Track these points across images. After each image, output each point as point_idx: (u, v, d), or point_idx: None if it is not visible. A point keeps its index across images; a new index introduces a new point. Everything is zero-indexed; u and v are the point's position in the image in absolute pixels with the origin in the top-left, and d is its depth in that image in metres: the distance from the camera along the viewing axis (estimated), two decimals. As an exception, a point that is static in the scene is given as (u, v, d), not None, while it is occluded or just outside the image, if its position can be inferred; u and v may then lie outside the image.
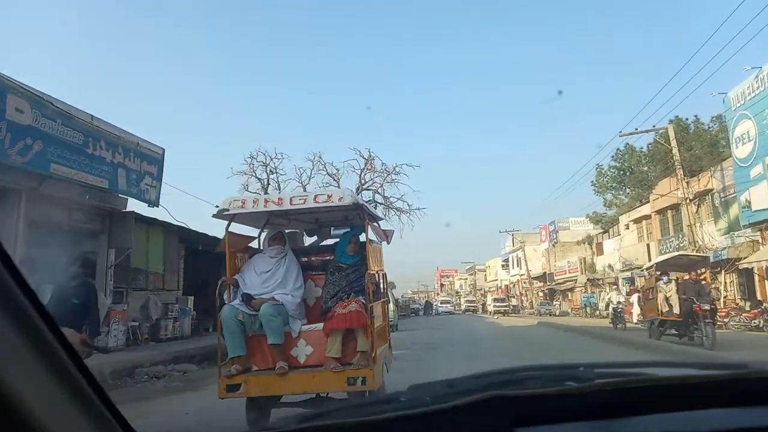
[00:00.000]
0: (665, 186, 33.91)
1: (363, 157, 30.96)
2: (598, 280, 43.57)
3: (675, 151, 25.21)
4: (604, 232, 45.31)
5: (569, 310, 46.58)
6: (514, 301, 62.81)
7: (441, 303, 70.19)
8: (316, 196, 5.52)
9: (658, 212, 34.62)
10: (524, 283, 61.26)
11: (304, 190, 31.01)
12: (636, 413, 1.01)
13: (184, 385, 10.61)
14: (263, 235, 6.30)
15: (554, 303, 49.45)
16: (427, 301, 71.14)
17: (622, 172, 49.89)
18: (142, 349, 14.14)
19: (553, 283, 53.58)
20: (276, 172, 28.69)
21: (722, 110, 25.22)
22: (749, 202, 23.30)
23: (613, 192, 50.81)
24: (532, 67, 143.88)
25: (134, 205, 15.34)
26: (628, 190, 50.19)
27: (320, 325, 5.46)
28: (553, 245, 55.39)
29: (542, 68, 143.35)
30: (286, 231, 6.28)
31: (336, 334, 5.31)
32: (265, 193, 28.89)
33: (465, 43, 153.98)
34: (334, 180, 30.76)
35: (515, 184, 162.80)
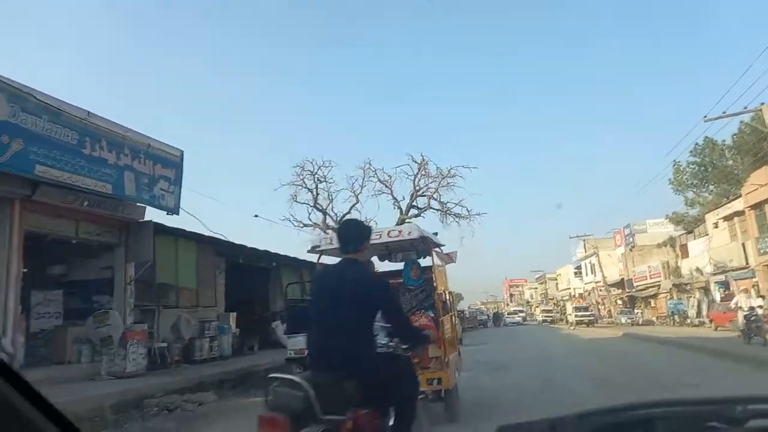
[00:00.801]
0: (760, 177, 29.64)
1: (416, 162, 28.73)
2: (686, 284, 39.07)
3: (775, 132, 21.32)
4: (689, 233, 40.75)
5: (654, 319, 42.10)
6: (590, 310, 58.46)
7: (508, 314, 67.49)
8: (389, 232, 6.72)
9: (753, 207, 30.27)
10: (600, 290, 56.73)
11: (357, 200, 29.05)
12: None
13: (181, 423, 8.57)
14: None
15: (635, 311, 44.99)
16: (495, 312, 68.22)
17: (703, 168, 45.09)
18: (167, 374, 12.34)
19: (633, 290, 49.01)
20: (325, 181, 26.95)
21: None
22: None
23: (694, 190, 46.00)
24: (600, 65, 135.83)
25: (159, 216, 13.74)
26: (711, 187, 45.31)
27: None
28: (630, 249, 50.83)
29: (612, 66, 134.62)
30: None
31: None
32: (315, 203, 27.13)
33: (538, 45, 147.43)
34: (387, 187, 28.70)
35: (585, 187, 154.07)
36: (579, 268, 65.45)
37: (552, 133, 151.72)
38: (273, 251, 20.38)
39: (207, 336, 15.52)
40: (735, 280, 33.29)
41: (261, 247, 19.81)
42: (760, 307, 16.61)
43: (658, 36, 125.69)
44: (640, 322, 40.31)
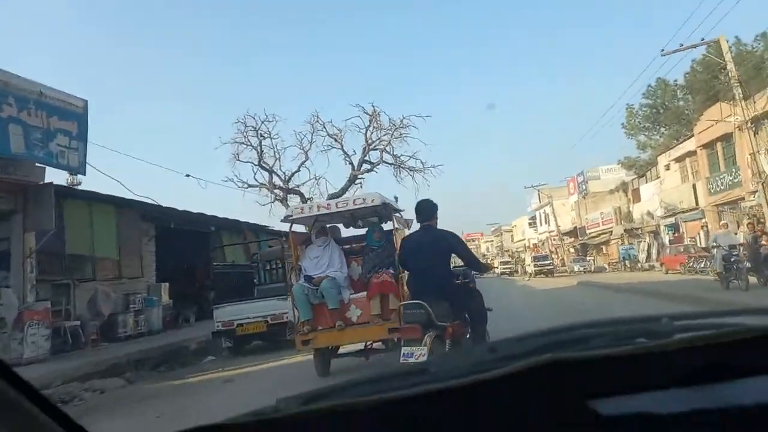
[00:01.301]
0: (713, 115, 29.24)
1: (367, 113, 26.96)
2: (636, 229, 39.16)
3: (730, 65, 20.58)
4: (640, 177, 40.66)
5: (605, 265, 42.30)
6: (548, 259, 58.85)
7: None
8: (354, 200, 7.64)
9: (705, 146, 29.96)
10: (554, 239, 56.98)
11: (306, 156, 27.25)
12: (740, 375, 0.75)
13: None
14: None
15: (588, 258, 45.17)
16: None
17: (655, 111, 44.93)
18: (78, 357, 10.72)
19: (585, 238, 49.23)
20: (270, 137, 24.94)
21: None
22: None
23: (646, 133, 45.95)
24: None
25: (89, 182, 11.77)
26: (663, 130, 45.30)
27: (364, 294, 7.26)
28: (584, 197, 50.86)
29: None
30: (328, 226, 8.07)
31: (375, 298, 7.06)
32: (260, 161, 25.21)
33: None
34: (337, 141, 26.94)
35: (538, 135, 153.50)
36: (534, 218, 65.65)
37: (505, 78, 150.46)
38: (210, 214, 18.62)
39: (132, 310, 13.89)
40: (684, 221, 33.40)
41: (203, 212, 18.03)
42: (741, 245, 14.25)
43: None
44: (593, 270, 40.40)
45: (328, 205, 7.88)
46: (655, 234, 37.70)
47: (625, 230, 40.00)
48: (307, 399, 0.88)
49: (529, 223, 66.20)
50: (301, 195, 26.21)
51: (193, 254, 18.99)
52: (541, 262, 43.92)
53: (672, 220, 34.51)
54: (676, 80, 42.84)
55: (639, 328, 0.97)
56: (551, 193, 52.93)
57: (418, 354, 4.72)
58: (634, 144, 46.13)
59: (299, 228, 8.70)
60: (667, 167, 35.02)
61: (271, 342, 11.12)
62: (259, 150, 24.64)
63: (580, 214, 50.91)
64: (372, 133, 27.39)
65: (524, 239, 69.71)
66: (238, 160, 24.24)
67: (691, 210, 31.78)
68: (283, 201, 26.61)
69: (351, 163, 27.00)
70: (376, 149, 27.32)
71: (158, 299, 14.92)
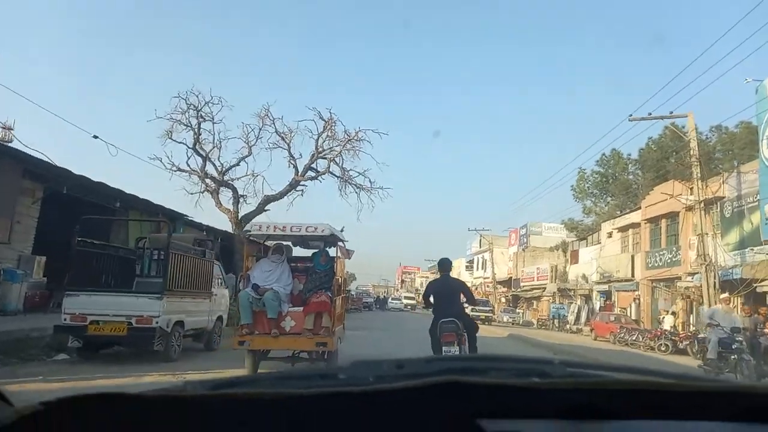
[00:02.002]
0: (665, 190, 29.06)
1: (323, 119, 25.08)
2: (569, 290, 38.64)
3: (693, 143, 20.00)
4: (581, 240, 40.41)
5: (533, 321, 41.38)
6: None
7: (392, 299, 68.85)
8: (307, 227, 8.52)
9: (650, 221, 29.67)
10: (488, 287, 56.24)
11: (249, 151, 24.97)
12: (609, 417, 0.89)
13: None
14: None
15: (518, 311, 44.35)
16: (378, 296, 68.59)
17: (605, 179, 45.22)
18: None
19: (519, 290, 48.68)
20: (213, 121, 22.56)
21: (754, 100, 20.14)
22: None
23: (593, 199, 46.12)
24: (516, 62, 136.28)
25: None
26: (609, 199, 45.58)
27: (300, 309, 8.26)
28: (523, 250, 50.50)
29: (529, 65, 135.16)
30: (283, 244, 9.12)
31: (311, 314, 8.12)
32: (196, 144, 22.79)
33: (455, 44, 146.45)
34: (285, 141, 24.87)
35: (490, 184, 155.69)
36: (471, 262, 65.02)
37: (460, 124, 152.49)
38: (117, 187, 16.10)
39: (-17, 282, 11.26)
40: (617, 291, 33.00)
41: (106, 182, 15.46)
42: (746, 329, 11.36)
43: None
44: (521, 323, 39.42)
45: (284, 227, 8.66)
46: (587, 298, 37.24)
47: (558, 289, 39.42)
48: (214, 385, 0.94)
49: (467, 266, 65.46)
50: (234, 190, 23.89)
51: (91, 231, 16.28)
52: (481, 308, 39.56)
53: (606, 287, 34.06)
54: (629, 154, 43.36)
55: (536, 368, 1.05)
56: (493, 241, 52.27)
57: (454, 350, 7.33)
58: (579, 207, 46.25)
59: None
60: (610, 235, 34.73)
61: (132, 351, 8.85)
62: (196, 132, 22.23)
63: (517, 265, 50.40)
64: (324, 141, 25.52)
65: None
66: (170, 138, 21.75)
67: (626, 280, 31.35)
68: (214, 193, 24.20)
69: (295, 167, 24.97)
70: (325, 158, 25.41)
71: (25, 274, 12.32)
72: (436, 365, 1.04)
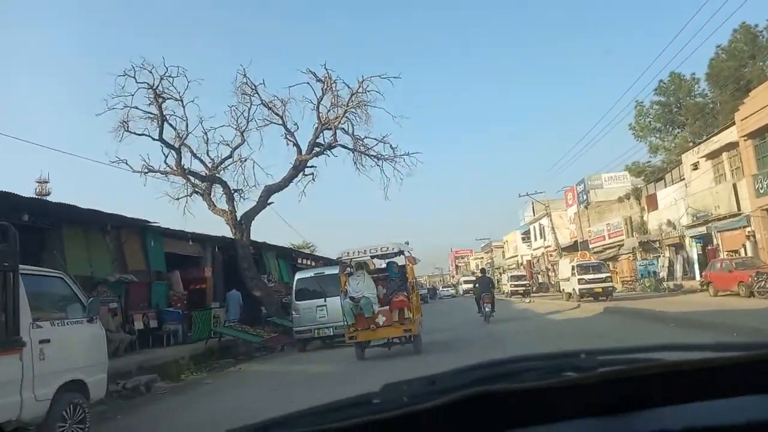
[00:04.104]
0: (761, 98, 22.17)
1: (319, 80, 19.56)
2: (653, 242, 31.76)
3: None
4: (658, 180, 33.33)
5: (614, 285, 34.53)
6: (540, 278, 51.26)
7: (443, 288, 74.37)
8: (381, 248, 11.51)
9: (752, 135, 22.71)
10: (551, 255, 49.48)
11: (243, 140, 19.71)
12: (650, 405, 0.85)
13: None
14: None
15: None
16: (431, 287, 71.06)
17: (667, 109, 37.87)
18: None
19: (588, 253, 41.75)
20: (180, 101, 17.29)
21: None
22: None
23: (658, 134, 38.82)
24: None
25: None
26: (677, 131, 38.23)
27: (386, 307, 10.80)
28: (585, 207, 43.54)
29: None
30: (364, 261, 11.86)
31: (395, 310, 10.76)
32: (161, 132, 17.61)
33: None
34: (275, 114, 19.47)
35: (533, 143, 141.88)
36: (527, 233, 58.25)
37: (497, 84, 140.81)
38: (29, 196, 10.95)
39: None
40: (720, 231, 26.03)
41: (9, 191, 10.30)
42: None
43: None
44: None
45: (364, 251, 11.47)
46: (678, 247, 30.35)
47: (639, 243, 32.56)
48: (257, 428, 0.97)
49: (522, 238, 58.77)
50: (224, 185, 18.63)
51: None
52: (517, 282, 41.05)
53: (702, 229, 27.11)
54: (693, 73, 35.99)
55: (566, 363, 1.01)
56: (548, 204, 45.48)
57: (487, 308, 17.40)
58: (643, 147, 39.12)
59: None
60: (695, 166, 27.74)
61: None
62: (159, 119, 17.01)
63: (581, 226, 43.54)
64: (329, 110, 19.98)
65: (516, 255, 62.20)
66: (127, 130, 16.61)
67: (730, 216, 24.45)
68: (206, 194, 19.03)
69: (296, 145, 19.52)
70: (329, 128, 19.84)
71: None
72: (467, 376, 0.99)
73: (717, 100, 31.82)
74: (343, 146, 20.07)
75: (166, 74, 16.41)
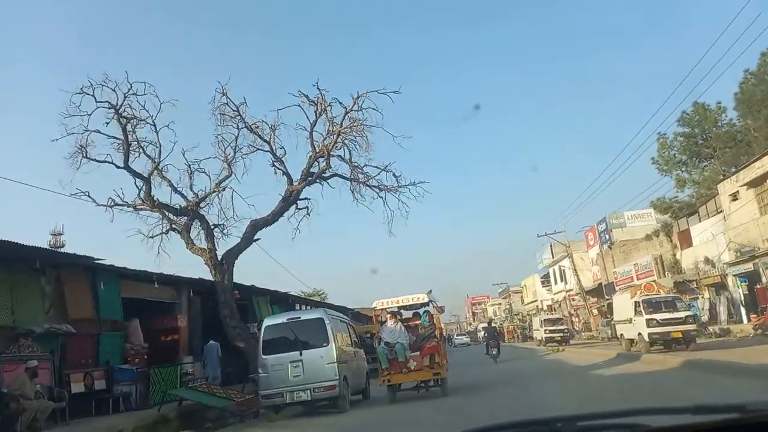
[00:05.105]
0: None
1: (312, 102, 17.27)
2: (690, 282, 28.35)
3: None
4: (691, 215, 30.19)
5: (696, 327, 29.92)
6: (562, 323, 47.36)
7: (457, 336, 68.33)
8: (411, 298, 12.24)
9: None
10: (573, 299, 45.88)
11: (230, 171, 17.32)
12: None
13: None
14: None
15: (623, 321, 33.88)
16: (446, 335, 61.14)
17: (692, 141, 35.09)
18: None
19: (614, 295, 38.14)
20: (152, 124, 14.95)
21: None
22: None
23: (684, 167, 35.87)
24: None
25: None
26: (704, 163, 35.29)
27: (417, 353, 11.34)
28: (609, 247, 40.26)
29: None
30: (397, 310, 12.20)
31: (426, 356, 11.31)
32: (127, 160, 15.21)
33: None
34: (266, 142, 17.10)
35: (550, 182, 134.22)
36: (546, 276, 54.66)
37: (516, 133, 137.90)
38: None
39: None
40: (769, 269, 22.78)
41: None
42: None
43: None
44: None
45: (397, 300, 12.15)
46: (719, 287, 26.90)
47: (675, 283, 29.08)
48: None
49: (542, 282, 55.13)
50: (202, 219, 16.07)
51: None
52: (553, 328, 32.81)
53: (748, 266, 23.80)
54: (719, 102, 33.38)
55: (548, 430, 0.98)
56: (569, 244, 42.23)
57: (493, 351, 22.24)
58: (668, 182, 36.05)
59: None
60: (735, 196, 24.70)
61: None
62: (124, 143, 14.62)
63: (605, 267, 40.15)
64: (325, 138, 17.57)
65: (536, 300, 58.34)
66: (86, 157, 14.20)
67: (783, 250, 21.28)
68: (184, 232, 16.44)
69: (286, 173, 17.01)
70: (322, 156, 17.36)
71: None
72: None
73: (750, 127, 29.01)
74: (339, 175, 17.52)
75: (130, 92, 14.12)
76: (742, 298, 24.78)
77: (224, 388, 12.43)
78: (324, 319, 10.50)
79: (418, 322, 12.28)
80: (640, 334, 17.73)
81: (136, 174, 14.81)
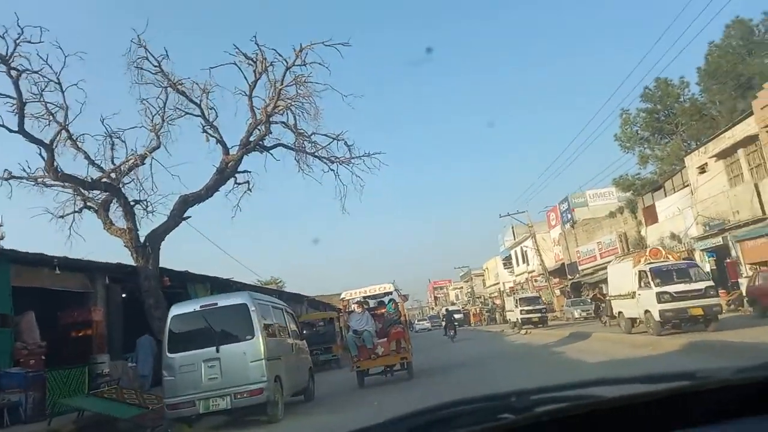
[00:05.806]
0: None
1: (251, 61, 14.94)
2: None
3: None
4: (655, 190, 29.25)
5: (721, 302, 28.60)
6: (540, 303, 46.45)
7: (418, 321, 63.17)
8: (377, 288, 12.76)
9: (776, 124, 18.76)
10: (536, 281, 44.96)
11: (159, 142, 14.83)
12: None
13: None
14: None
15: (588, 300, 32.98)
16: (408, 321, 58.06)
17: (654, 117, 34.28)
18: None
19: (578, 275, 37.34)
20: (56, 81, 12.38)
21: None
22: None
23: (647, 144, 35.07)
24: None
25: None
26: (666, 140, 34.56)
27: (384, 339, 11.76)
28: (571, 227, 39.33)
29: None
30: (364, 300, 12.75)
31: (393, 341, 11.71)
32: (22, 123, 12.54)
33: None
34: (195, 104, 14.71)
35: (511, 163, 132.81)
36: (508, 258, 53.74)
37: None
38: None
39: None
40: (740, 241, 21.82)
41: None
42: None
43: None
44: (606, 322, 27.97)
45: (363, 291, 12.76)
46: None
47: (641, 261, 28.05)
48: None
49: (504, 264, 54.20)
50: (120, 195, 13.62)
51: None
52: (529, 308, 29.77)
53: (717, 240, 22.88)
54: (683, 77, 32.57)
55: (500, 405, 0.97)
56: (531, 224, 41.13)
57: (451, 333, 27.47)
58: (630, 159, 35.33)
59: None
60: (702, 169, 23.68)
61: None
62: (18, 102, 11.99)
63: (568, 247, 39.23)
64: (268, 104, 15.28)
65: (498, 283, 57.48)
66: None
67: (754, 222, 20.29)
68: (101, 210, 13.95)
69: (220, 142, 14.68)
70: (269, 123, 15.12)
71: None
72: (403, 425, 0.95)
73: (716, 99, 28.13)
74: (283, 145, 15.32)
75: (22, 39, 11.48)
76: (710, 273, 23.91)
77: (141, 393, 10.18)
78: (248, 304, 8.05)
79: (383, 310, 12.70)
80: (647, 311, 13.87)
81: (35, 140, 12.21)
